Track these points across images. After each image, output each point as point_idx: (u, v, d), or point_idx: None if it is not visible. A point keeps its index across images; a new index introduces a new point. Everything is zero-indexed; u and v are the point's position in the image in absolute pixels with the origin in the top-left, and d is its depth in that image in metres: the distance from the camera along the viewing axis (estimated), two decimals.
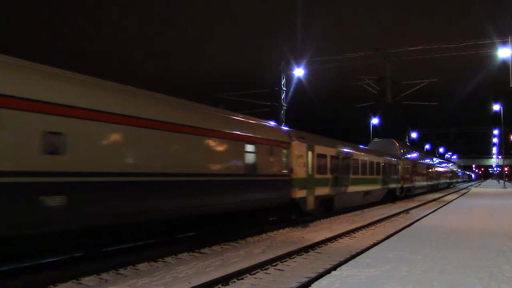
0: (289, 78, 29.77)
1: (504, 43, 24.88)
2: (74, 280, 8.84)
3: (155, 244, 12.39)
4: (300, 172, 17.64)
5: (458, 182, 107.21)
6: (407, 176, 37.98)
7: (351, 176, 23.99)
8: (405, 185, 36.97)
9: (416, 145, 66.48)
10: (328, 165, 20.78)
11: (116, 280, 9.04)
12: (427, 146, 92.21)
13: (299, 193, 17.52)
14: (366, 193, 26.83)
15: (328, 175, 20.71)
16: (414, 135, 75.50)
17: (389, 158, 32.71)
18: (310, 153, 18.74)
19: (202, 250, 12.29)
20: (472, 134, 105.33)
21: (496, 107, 54.67)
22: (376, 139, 40.84)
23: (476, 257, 10.64)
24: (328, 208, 20.98)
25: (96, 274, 9.28)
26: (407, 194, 37.87)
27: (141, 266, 10.24)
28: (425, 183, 48.37)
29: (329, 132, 33.75)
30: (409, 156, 40.93)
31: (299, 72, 29.28)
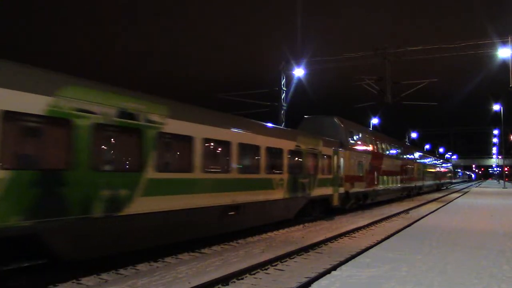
0: (289, 78, 29.78)
1: (504, 43, 24.88)
2: (74, 280, 8.84)
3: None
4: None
5: (452, 183, 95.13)
6: (360, 175, 25.26)
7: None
8: (355, 189, 24.01)
9: (415, 145, 66.25)
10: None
11: (116, 280, 9.04)
12: (427, 146, 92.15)
13: None
14: (231, 209, 13.15)
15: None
16: (414, 135, 75.59)
17: (316, 146, 19.28)
18: None
19: (202, 250, 12.28)
20: (472, 134, 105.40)
21: (496, 107, 54.67)
22: (308, 116, 24.74)
23: (476, 257, 10.64)
24: None
25: (96, 274, 9.27)
26: (360, 203, 25.67)
27: (141, 266, 10.24)
28: (398, 185, 34.97)
29: None
30: (366, 146, 27.15)
31: (299, 72, 29.28)
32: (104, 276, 9.30)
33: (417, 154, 46.68)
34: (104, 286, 8.70)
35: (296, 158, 17.50)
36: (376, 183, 28.33)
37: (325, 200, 20.51)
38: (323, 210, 20.74)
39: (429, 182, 52.73)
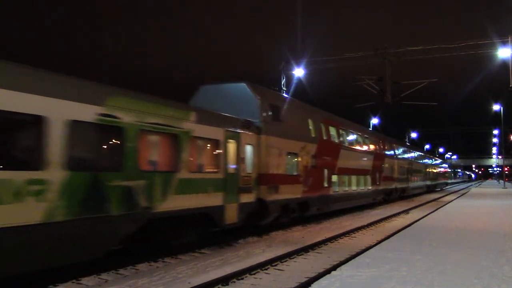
0: (289, 78, 29.78)
1: (504, 43, 24.88)
2: (74, 280, 8.84)
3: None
4: None
5: (448, 184, 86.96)
6: (294, 173, 17.16)
7: None
8: (280, 197, 15.81)
9: (416, 145, 66.02)
10: None
11: (115, 280, 9.04)
12: (427, 146, 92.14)
13: None
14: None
15: None
16: (414, 135, 75.61)
17: (174, 120, 11.29)
18: None
19: (202, 250, 12.28)
20: (472, 134, 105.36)
21: (496, 107, 54.65)
22: (207, 85, 16.96)
23: (476, 257, 10.63)
24: None
25: (96, 274, 9.27)
26: (295, 216, 17.55)
27: (140, 266, 10.24)
28: (368, 187, 26.68)
29: None
30: (306, 131, 18.82)
31: (299, 72, 29.28)
32: (104, 276, 9.30)
33: (400, 149, 38.50)
34: (104, 286, 8.70)
35: (107, 139, 9.88)
36: (327, 185, 20.15)
37: (205, 215, 12.29)
38: (201, 232, 12.66)
39: (417, 183, 44.94)
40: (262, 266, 10.28)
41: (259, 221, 15.16)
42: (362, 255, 11.14)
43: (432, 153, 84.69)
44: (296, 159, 17.37)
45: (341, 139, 22.87)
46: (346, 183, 23.15)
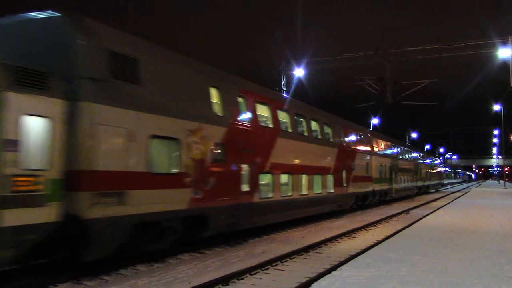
0: (289, 78, 29.78)
1: (504, 43, 24.91)
2: (74, 280, 8.84)
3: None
4: None
5: (444, 185, 78.09)
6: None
7: None
8: (113, 212, 9.05)
9: (416, 145, 65.91)
10: None
11: (116, 280, 9.03)
12: (427, 147, 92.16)
13: None
14: None
15: None
16: (414, 135, 75.62)
17: None
18: None
19: (202, 250, 12.28)
20: (472, 134, 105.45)
21: (496, 107, 54.65)
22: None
23: (477, 257, 10.62)
24: None
25: (96, 274, 9.27)
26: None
27: (140, 266, 10.24)
28: (318, 192, 19.24)
29: None
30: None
31: (299, 72, 29.28)
32: (104, 276, 9.30)
33: (380, 143, 31.28)
34: (104, 286, 8.69)
35: None
36: (248, 189, 14.07)
37: None
38: None
39: (404, 184, 37.75)
40: (262, 266, 10.27)
41: (79, 257, 8.84)
42: (362, 255, 11.10)
43: (432, 153, 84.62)
44: (176, 148, 11.07)
45: (279, 123, 16.40)
46: (289, 186, 16.64)
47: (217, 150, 12.58)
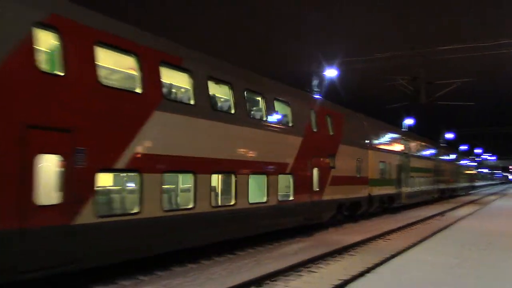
0: (321, 79, 29.62)
1: None
2: (110, 281, 9.02)
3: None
4: None
5: (475, 187, 68.85)
6: None
7: None
8: None
9: (452, 146, 63.91)
10: None
11: (151, 280, 9.20)
12: (464, 147, 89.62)
13: None
14: None
15: None
16: (450, 135, 73.73)
17: None
18: None
19: (235, 251, 12.35)
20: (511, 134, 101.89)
21: None
22: None
23: None
24: None
25: (132, 275, 9.45)
26: None
27: (175, 267, 10.38)
28: (259, 201, 12.83)
29: None
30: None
31: (331, 73, 29.08)
32: (140, 276, 9.48)
33: (383, 134, 25.23)
34: (139, 285, 8.86)
35: None
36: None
37: None
38: None
39: (419, 188, 31.04)
40: (295, 268, 10.26)
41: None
42: (397, 257, 10.97)
43: (469, 154, 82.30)
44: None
45: (161, 86, 9.73)
46: (190, 193, 10.56)
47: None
